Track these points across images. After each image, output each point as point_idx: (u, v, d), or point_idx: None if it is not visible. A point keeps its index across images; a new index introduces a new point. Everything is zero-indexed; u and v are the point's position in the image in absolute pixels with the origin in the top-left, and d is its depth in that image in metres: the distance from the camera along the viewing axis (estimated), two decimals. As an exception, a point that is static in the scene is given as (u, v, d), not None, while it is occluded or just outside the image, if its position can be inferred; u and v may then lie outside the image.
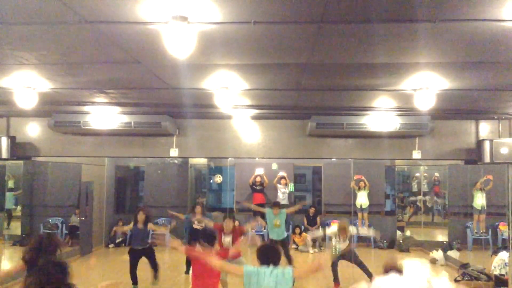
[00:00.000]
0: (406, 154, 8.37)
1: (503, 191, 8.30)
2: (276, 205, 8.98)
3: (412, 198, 13.40)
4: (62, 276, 3.02)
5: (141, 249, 7.56)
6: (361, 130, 7.67)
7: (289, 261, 8.64)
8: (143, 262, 7.81)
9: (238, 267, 4.07)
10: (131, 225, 7.67)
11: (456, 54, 4.33)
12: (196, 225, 8.65)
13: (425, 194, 13.07)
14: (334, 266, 8.38)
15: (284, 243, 8.77)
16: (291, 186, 12.88)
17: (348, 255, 8.24)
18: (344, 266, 8.84)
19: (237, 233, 6.99)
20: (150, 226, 7.65)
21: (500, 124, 7.89)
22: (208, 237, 4.68)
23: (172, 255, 11.03)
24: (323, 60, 4.64)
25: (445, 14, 3.33)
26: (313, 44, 4.03)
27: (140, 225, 7.54)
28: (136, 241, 7.59)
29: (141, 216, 7.52)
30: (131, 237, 7.63)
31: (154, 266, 7.70)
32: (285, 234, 8.91)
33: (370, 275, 8.34)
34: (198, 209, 8.78)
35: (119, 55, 4.47)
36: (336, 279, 8.31)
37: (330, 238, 8.48)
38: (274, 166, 12.71)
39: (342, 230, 8.08)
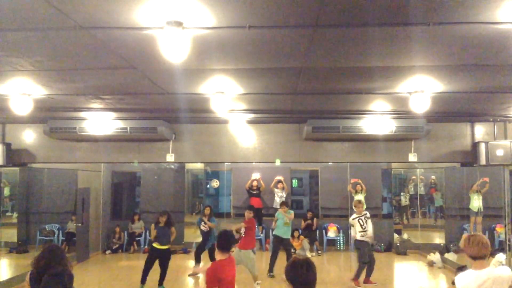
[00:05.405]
0: (402, 157, 8.40)
1: (499, 193, 8.33)
2: (283, 204, 9.64)
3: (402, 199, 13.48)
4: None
5: (162, 250, 7.94)
6: (357, 134, 7.68)
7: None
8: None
9: None
10: (153, 227, 8.12)
11: (450, 57, 4.35)
12: (202, 226, 9.37)
13: (412, 196, 13.18)
14: (363, 265, 8.33)
15: (287, 242, 9.43)
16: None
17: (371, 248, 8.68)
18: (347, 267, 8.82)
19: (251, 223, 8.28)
20: (172, 229, 8.13)
21: (495, 126, 7.93)
22: (223, 243, 4.22)
23: (174, 256, 10.95)
24: (319, 64, 4.65)
25: (439, 17, 3.35)
26: (308, 48, 4.05)
27: (162, 225, 8.02)
28: (159, 238, 7.96)
29: (162, 218, 8.03)
30: (157, 235, 8.05)
31: (164, 270, 8.05)
32: (289, 235, 9.47)
33: (370, 275, 8.38)
34: (207, 210, 9.48)
35: (114, 61, 4.46)
36: (358, 276, 8.29)
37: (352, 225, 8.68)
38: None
39: (358, 204, 8.56)
